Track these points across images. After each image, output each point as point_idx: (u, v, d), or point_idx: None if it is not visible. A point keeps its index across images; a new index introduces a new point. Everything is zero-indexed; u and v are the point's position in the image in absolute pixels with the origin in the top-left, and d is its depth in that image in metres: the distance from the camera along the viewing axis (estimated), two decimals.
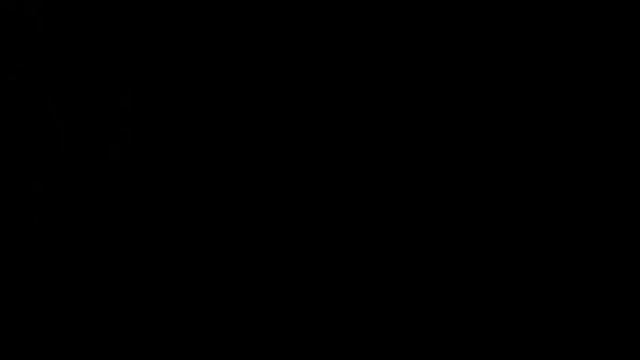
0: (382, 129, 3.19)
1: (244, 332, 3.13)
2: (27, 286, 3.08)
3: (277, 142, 3.18)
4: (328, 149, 3.18)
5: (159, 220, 3.13)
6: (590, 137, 3.18)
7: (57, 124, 3.11)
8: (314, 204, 3.17)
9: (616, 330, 3.12)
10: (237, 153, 3.17)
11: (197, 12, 3.18)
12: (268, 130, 3.18)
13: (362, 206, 3.17)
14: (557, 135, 3.18)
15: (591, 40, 3.19)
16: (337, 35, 3.20)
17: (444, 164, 3.18)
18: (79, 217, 3.10)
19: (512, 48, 3.19)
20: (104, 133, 3.13)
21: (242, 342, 3.13)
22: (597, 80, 3.19)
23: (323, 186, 3.17)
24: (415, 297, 3.16)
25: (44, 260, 3.08)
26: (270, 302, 3.14)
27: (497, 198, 3.17)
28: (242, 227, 3.15)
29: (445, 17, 3.20)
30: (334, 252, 3.16)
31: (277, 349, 3.13)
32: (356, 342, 3.14)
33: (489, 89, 3.19)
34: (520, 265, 3.15)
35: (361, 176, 3.18)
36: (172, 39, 3.18)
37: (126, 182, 3.13)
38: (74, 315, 3.09)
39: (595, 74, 3.19)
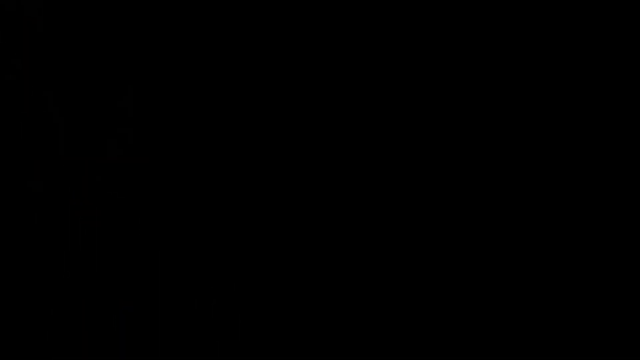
0: (382, 129, 3.19)
1: (244, 332, 3.13)
2: (27, 286, 3.08)
3: (276, 142, 3.18)
4: (328, 149, 3.18)
5: (158, 220, 3.13)
6: (590, 137, 3.18)
7: (57, 124, 3.12)
8: (313, 204, 3.17)
9: (616, 331, 3.13)
10: (236, 153, 3.17)
11: (196, 12, 3.19)
12: (267, 131, 3.18)
13: (362, 206, 3.17)
14: (557, 135, 3.18)
15: (591, 40, 3.20)
16: (337, 35, 3.20)
17: (444, 164, 3.18)
18: (79, 217, 3.10)
19: (512, 48, 3.20)
20: (104, 133, 3.13)
21: (242, 342, 3.13)
22: (597, 80, 3.19)
23: (322, 186, 3.17)
24: (415, 297, 3.16)
25: (44, 260, 3.09)
26: (270, 302, 3.15)
27: (497, 198, 3.18)
28: (242, 227, 3.15)
29: (445, 17, 3.21)
30: (334, 252, 3.16)
31: (277, 349, 3.14)
32: (356, 342, 3.14)
33: (489, 89, 3.20)
34: (521, 265, 3.16)
35: (361, 176, 3.18)
36: (171, 40, 3.18)
37: (126, 182, 3.13)
38: (74, 315, 3.09)
39: (595, 74, 3.19)
